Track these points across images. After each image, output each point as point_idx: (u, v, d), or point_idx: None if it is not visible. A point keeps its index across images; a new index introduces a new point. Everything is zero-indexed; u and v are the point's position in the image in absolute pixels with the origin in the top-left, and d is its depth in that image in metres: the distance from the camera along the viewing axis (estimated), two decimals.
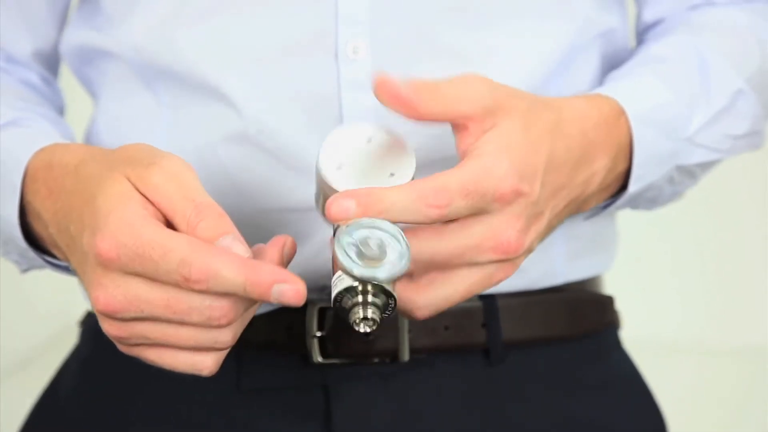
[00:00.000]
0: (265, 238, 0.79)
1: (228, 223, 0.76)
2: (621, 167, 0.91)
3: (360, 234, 0.75)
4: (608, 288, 1.07)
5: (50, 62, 1.05)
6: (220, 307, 0.75)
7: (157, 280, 0.75)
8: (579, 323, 1.01)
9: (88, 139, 1.03)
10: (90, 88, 1.05)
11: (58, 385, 1.04)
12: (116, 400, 1.00)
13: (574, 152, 0.85)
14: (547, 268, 0.99)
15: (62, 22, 1.04)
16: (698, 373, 2.19)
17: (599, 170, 0.88)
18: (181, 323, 0.75)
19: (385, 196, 0.76)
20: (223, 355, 0.78)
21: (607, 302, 1.05)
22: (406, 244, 0.75)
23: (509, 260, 0.81)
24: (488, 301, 0.97)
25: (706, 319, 2.25)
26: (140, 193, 0.76)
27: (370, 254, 0.75)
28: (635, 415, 1.02)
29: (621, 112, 0.91)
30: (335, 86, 0.93)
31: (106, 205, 0.76)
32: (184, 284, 0.73)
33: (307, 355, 0.95)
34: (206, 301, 0.74)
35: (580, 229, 1.00)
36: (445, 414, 0.97)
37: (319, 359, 0.95)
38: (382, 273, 0.75)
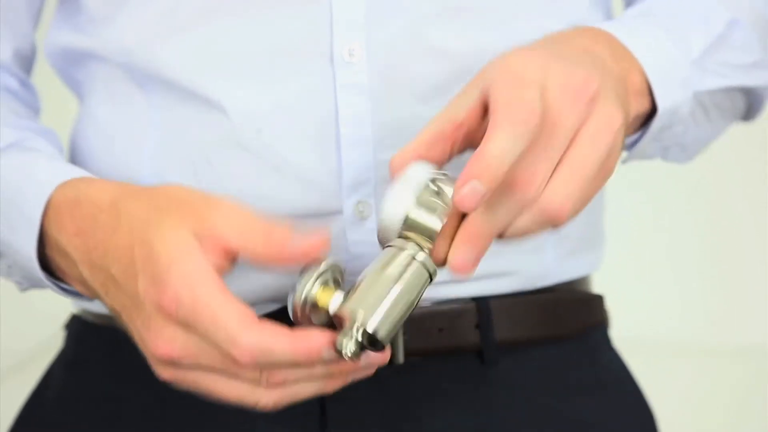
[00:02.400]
0: None
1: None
2: (627, 64, 0.89)
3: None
4: (606, 288, 1.07)
5: (27, 62, 1.04)
6: (281, 373, 0.79)
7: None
8: (569, 323, 1.02)
9: (74, 142, 1.02)
10: (76, 89, 1.04)
11: (44, 389, 1.04)
12: (102, 404, 0.99)
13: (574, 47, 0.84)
14: (539, 269, 0.99)
15: (38, 19, 1.04)
16: (697, 374, 2.19)
17: (603, 56, 0.86)
18: (235, 376, 0.79)
19: (487, 151, 0.74)
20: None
21: (596, 301, 1.05)
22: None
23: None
24: (481, 302, 0.97)
25: (705, 319, 2.24)
26: (199, 240, 0.78)
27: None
28: (626, 414, 1.03)
29: (603, 31, 0.89)
30: (331, 90, 0.92)
31: (167, 256, 0.77)
32: (231, 366, 0.77)
33: None
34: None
35: (569, 228, 1.00)
36: (440, 416, 0.97)
37: None
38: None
